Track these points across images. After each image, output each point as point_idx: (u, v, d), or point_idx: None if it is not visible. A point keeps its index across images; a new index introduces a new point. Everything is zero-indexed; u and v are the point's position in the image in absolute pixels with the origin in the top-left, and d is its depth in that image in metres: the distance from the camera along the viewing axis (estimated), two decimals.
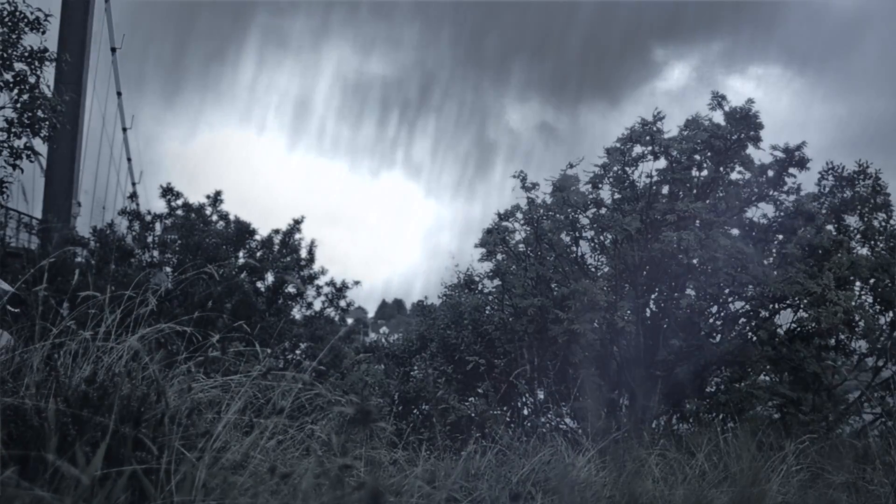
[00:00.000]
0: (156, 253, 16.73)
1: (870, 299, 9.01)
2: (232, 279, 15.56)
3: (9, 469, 2.11)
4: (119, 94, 28.74)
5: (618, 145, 9.52)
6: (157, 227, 17.31)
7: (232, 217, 18.06)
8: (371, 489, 2.05)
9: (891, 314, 8.96)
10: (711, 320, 9.36)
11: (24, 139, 10.04)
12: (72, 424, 2.46)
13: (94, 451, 2.27)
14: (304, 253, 18.84)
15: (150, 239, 16.74)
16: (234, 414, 2.92)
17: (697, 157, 9.53)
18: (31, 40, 9.95)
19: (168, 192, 17.87)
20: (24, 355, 2.97)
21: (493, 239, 9.52)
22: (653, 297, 9.29)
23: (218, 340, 5.04)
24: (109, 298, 3.50)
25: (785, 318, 9.09)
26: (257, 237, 18.34)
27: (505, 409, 8.83)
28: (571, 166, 9.40)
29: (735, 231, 9.29)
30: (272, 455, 2.98)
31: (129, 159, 30.76)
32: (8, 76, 9.65)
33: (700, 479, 5.93)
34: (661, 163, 9.52)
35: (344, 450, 2.90)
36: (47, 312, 3.19)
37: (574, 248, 9.56)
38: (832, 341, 8.79)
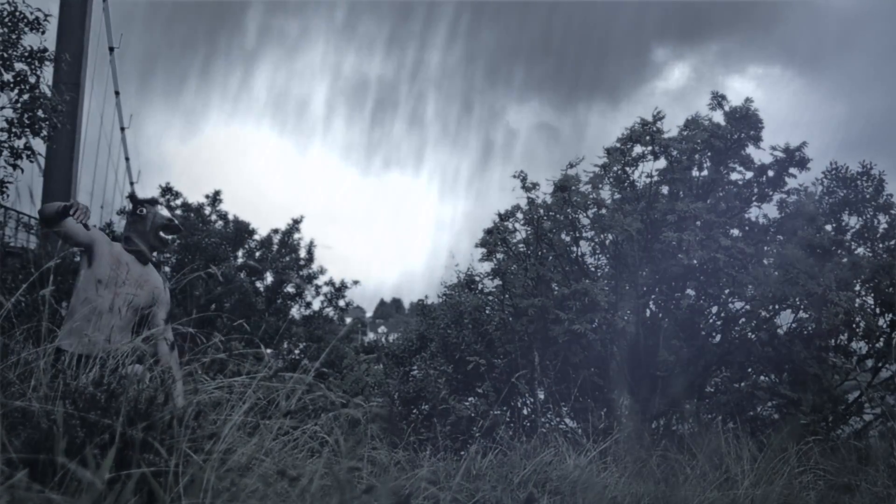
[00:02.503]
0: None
1: (870, 300, 9.02)
2: (231, 279, 15.56)
3: (19, 472, 2.11)
4: (117, 93, 28.71)
5: (618, 145, 9.51)
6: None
7: (231, 217, 18.08)
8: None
9: (890, 315, 8.96)
10: (711, 320, 9.36)
11: (23, 139, 10.05)
12: (80, 427, 2.47)
13: (103, 454, 2.27)
14: (303, 253, 18.89)
15: None
16: (241, 416, 2.92)
17: (697, 156, 9.53)
18: (30, 40, 9.97)
19: (167, 191, 17.89)
20: (30, 357, 2.97)
21: (494, 239, 9.51)
22: (653, 297, 9.29)
23: (220, 341, 5.04)
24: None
25: (785, 319, 9.09)
26: (256, 237, 18.38)
27: (505, 409, 8.83)
28: (571, 166, 9.39)
29: (735, 231, 9.29)
30: (278, 457, 2.98)
31: (127, 159, 30.74)
32: (8, 76, 9.67)
33: (701, 479, 5.94)
34: (662, 163, 9.52)
35: (351, 452, 2.91)
36: (53, 314, 3.19)
37: (574, 249, 9.55)
38: (832, 342, 8.80)
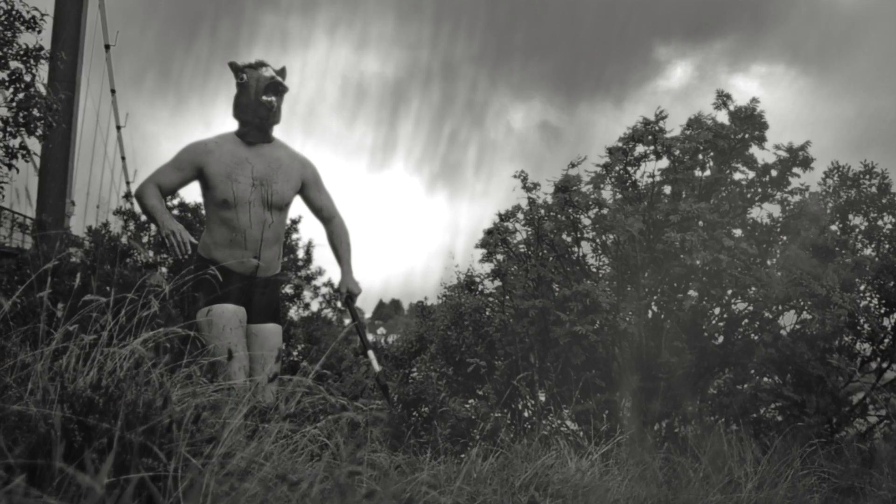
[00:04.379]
0: (151, 253, 16.72)
1: (875, 301, 9.01)
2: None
3: (17, 477, 2.12)
4: (113, 91, 28.73)
5: (620, 144, 9.49)
6: (153, 226, 17.29)
7: None
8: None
9: (895, 316, 8.96)
10: (714, 322, 9.35)
11: (18, 138, 10.06)
12: (78, 431, 2.47)
13: (101, 459, 2.28)
14: (301, 253, 18.90)
15: (145, 239, 16.73)
16: (240, 419, 2.93)
17: (701, 156, 9.51)
18: (25, 38, 9.98)
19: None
20: (27, 359, 2.98)
21: (494, 239, 9.49)
22: (655, 298, 9.28)
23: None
24: (109, 301, 3.50)
25: (788, 320, 9.08)
26: None
27: (506, 411, 8.83)
28: (573, 166, 9.36)
29: (738, 232, 9.28)
30: (277, 461, 2.99)
31: (123, 158, 30.80)
32: (3, 75, 9.68)
33: (704, 482, 5.96)
34: (664, 162, 9.50)
35: (352, 456, 2.91)
36: (50, 316, 3.20)
37: (576, 249, 9.54)
38: (836, 343, 8.79)
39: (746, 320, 9.16)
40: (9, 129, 9.88)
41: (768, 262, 9.05)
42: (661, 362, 8.54)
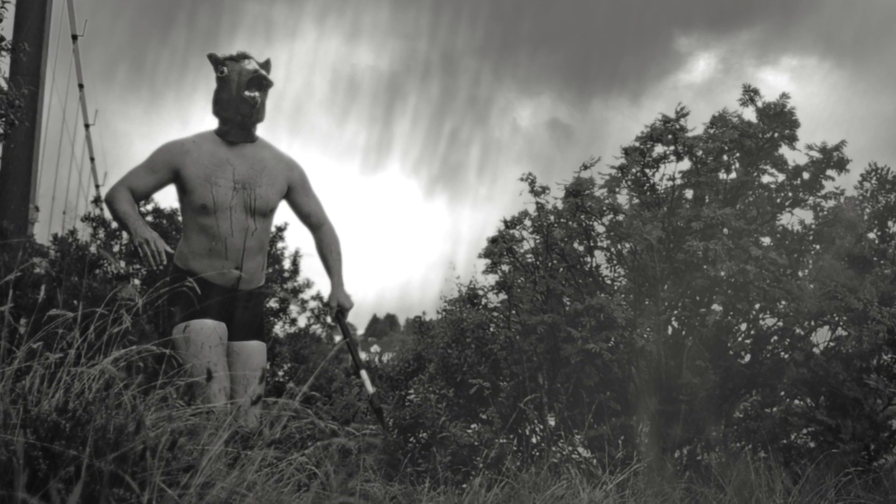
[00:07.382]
0: (123, 264, 16.70)
1: None
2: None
3: None
4: (81, 86, 28.68)
5: (637, 144, 9.49)
6: (125, 234, 17.26)
7: None
8: None
9: None
10: (740, 339, 9.35)
11: None
12: (43, 459, 2.48)
13: (68, 489, 2.28)
14: (287, 264, 18.86)
15: (116, 248, 16.71)
16: (221, 446, 2.93)
17: (725, 157, 9.51)
18: None
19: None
20: None
21: (499, 249, 9.49)
22: (675, 313, 9.27)
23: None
24: (76, 316, 3.50)
25: (822, 337, 9.07)
26: None
27: (512, 437, 8.82)
28: (585, 168, 9.35)
29: (767, 240, 9.27)
30: (261, 491, 2.99)
31: (92, 159, 30.76)
32: None
33: None
34: (685, 164, 9.49)
35: (343, 486, 2.91)
36: (12, 333, 3.20)
37: (588, 259, 9.53)
38: (874, 362, 8.78)
39: (776, 337, 9.15)
40: None
41: (800, 274, 9.05)
42: (682, 383, 8.54)
